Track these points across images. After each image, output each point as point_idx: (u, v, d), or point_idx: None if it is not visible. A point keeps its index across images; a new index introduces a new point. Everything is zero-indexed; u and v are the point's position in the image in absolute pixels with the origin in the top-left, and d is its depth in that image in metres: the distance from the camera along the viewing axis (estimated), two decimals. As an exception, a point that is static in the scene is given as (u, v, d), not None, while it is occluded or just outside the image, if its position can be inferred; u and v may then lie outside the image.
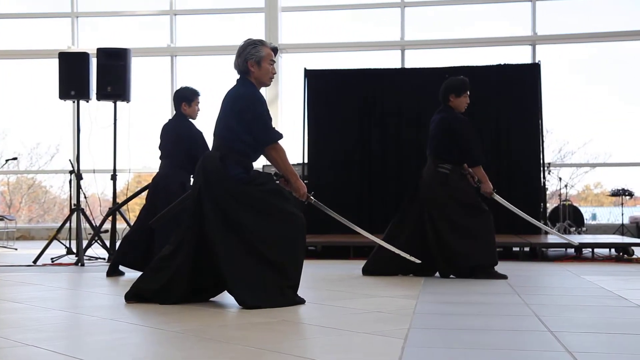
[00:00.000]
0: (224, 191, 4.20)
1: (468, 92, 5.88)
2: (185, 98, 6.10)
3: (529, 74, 9.72)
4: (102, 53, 7.58)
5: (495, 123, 9.62)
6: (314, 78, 10.05)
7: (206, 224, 4.17)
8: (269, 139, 4.29)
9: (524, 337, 3.20)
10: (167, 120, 6.31)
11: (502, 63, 9.81)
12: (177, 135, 6.04)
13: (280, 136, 4.34)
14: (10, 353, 2.86)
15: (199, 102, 6.14)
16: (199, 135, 6.02)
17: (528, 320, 3.62)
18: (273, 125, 4.36)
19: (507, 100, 9.61)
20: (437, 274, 5.83)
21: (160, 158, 6.18)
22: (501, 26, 12.46)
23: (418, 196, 5.89)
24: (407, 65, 12.18)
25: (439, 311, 4.01)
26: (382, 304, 4.27)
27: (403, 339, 3.08)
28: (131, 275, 5.80)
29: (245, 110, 4.26)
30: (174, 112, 6.20)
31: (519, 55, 12.25)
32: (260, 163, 8.99)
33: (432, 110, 9.24)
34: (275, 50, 4.47)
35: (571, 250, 8.24)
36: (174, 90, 6.19)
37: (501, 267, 5.79)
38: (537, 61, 10.30)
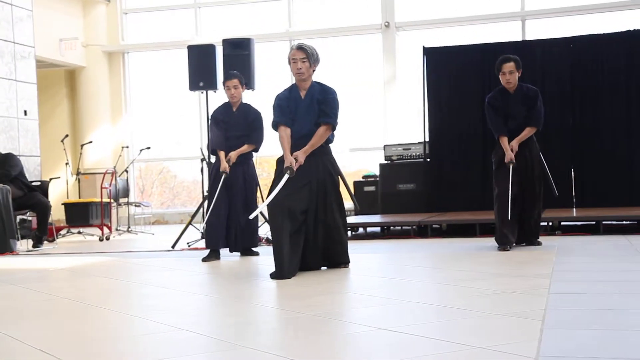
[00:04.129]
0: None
1: (502, 70, 6.56)
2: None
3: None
4: (227, 44, 7.85)
5: (625, 92, 9.23)
6: (432, 56, 9.97)
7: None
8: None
9: (667, 317, 3.14)
10: (230, 106, 6.76)
11: (632, 29, 9.40)
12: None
13: (274, 125, 5.27)
14: (169, 337, 3.10)
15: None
16: None
17: (669, 300, 3.53)
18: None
19: (637, 68, 9.21)
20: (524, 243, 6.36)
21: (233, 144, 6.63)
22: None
23: (520, 167, 6.40)
24: (528, 37, 11.86)
25: (574, 290, 3.97)
26: (514, 283, 4.27)
27: (540, 320, 3.08)
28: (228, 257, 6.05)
29: None
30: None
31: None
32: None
33: (556, 82, 9.04)
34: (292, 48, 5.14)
35: None
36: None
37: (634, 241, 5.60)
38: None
